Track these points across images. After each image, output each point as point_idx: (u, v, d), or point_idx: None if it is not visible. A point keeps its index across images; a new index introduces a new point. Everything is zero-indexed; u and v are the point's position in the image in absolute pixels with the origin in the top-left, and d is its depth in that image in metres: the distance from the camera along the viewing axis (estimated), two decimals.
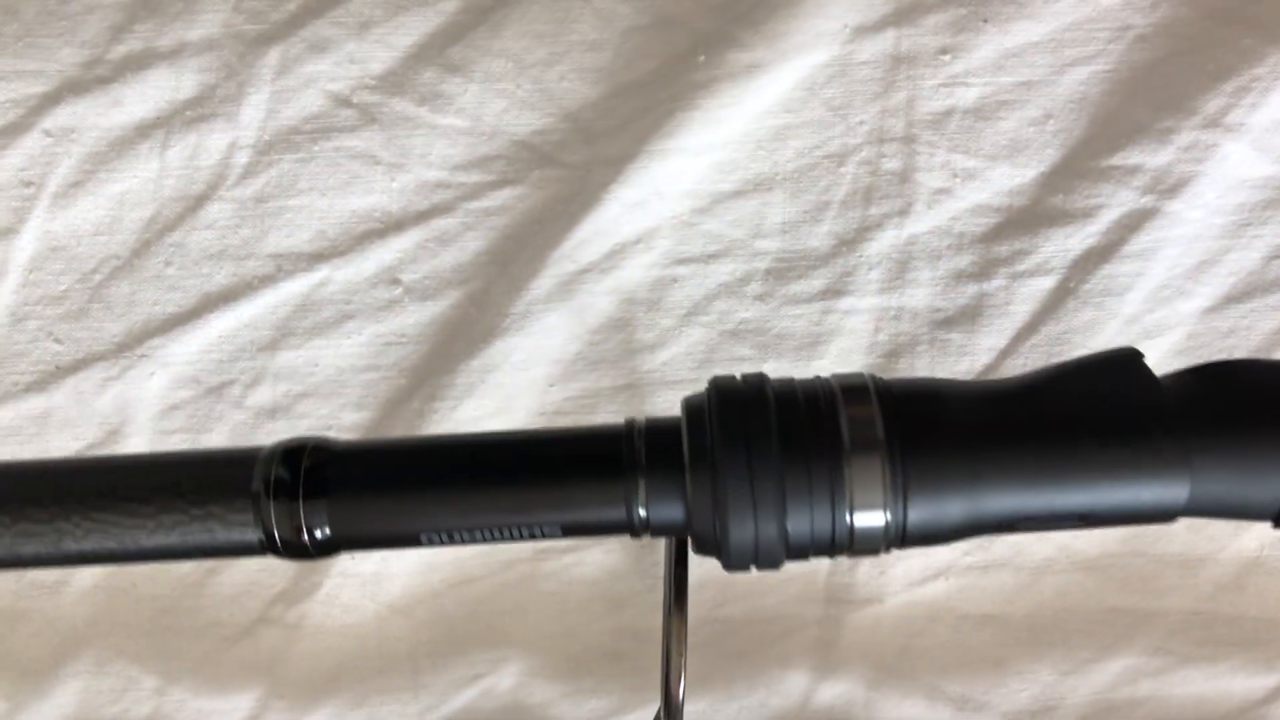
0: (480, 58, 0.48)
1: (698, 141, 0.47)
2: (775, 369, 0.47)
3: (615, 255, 0.47)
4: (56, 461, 0.34)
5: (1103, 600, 0.49)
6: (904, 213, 0.47)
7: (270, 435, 0.49)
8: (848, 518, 0.29)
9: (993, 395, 0.30)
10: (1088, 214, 0.47)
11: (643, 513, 0.30)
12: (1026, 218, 0.47)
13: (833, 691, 0.50)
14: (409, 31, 0.48)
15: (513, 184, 0.48)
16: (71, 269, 0.49)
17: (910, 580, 0.49)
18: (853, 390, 0.30)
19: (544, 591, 0.50)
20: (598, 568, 0.50)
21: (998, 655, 0.49)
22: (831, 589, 0.49)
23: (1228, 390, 0.30)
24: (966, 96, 0.47)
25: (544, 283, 0.47)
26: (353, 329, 0.49)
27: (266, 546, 0.31)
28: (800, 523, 0.29)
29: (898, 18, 0.47)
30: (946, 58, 0.47)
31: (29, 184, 0.49)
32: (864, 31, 0.47)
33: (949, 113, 0.47)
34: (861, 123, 0.48)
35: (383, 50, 0.48)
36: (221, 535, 0.31)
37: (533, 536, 0.31)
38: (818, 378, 0.31)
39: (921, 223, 0.48)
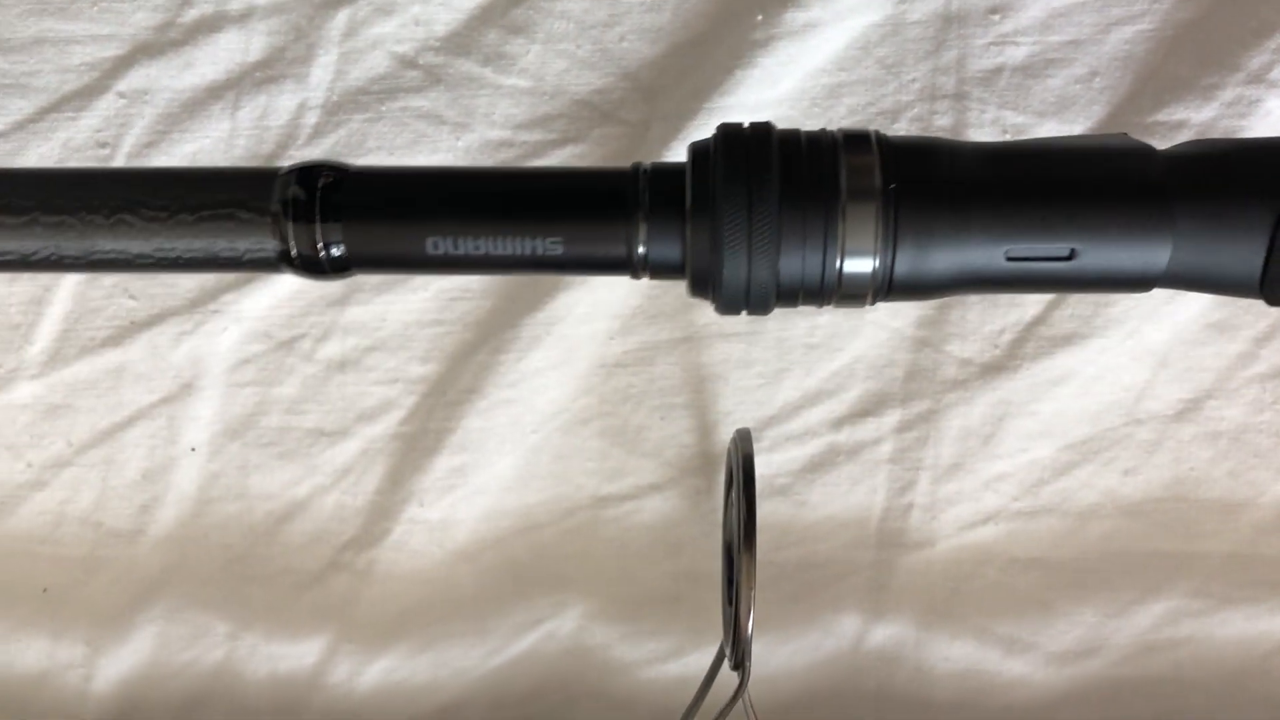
0: (542, 19, 0.49)
1: (755, 98, 0.48)
2: None
3: None
4: (87, 169, 0.37)
5: (1146, 544, 0.51)
6: None
7: (340, 387, 0.51)
8: (838, 262, 0.30)
9: (990, 153, 0.31)
10: None
11: (641, 250, 0.31)
12: None
13: (884, 633, 0.51)
14: None
15: (574, 141, 0.49)
16: None
17: (960, 525, 0.51)
18: (855, 140, 0.31)
19: (605, 537, 0.52)
20: (657, 514, 0.51)
21: (1044, 597, 0.51)
22: (884, 534, 0.51)
23: (1220, 162, 0.31)
24: (1015, 55, 0.49)
25: None
26: (419, 284, 0.50)
27: (282, 259, 0.32)
28: (792, 264, 0.30)
29: None
30: (996, 17, 0.49)
31: (104, 144, 0.50)
32: None
33: (999, 70, 0.49)
34: (914, 80, 0.49)
35: (447, 12, 0.49)
36: (241, 245, 0.32)
37: (536, 265, 0.32)
38: (824, 129, 0.32)
39: None
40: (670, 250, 0.31)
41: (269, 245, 0.32)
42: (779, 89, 0.48)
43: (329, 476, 0.51)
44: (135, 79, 0.50)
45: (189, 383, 0.51)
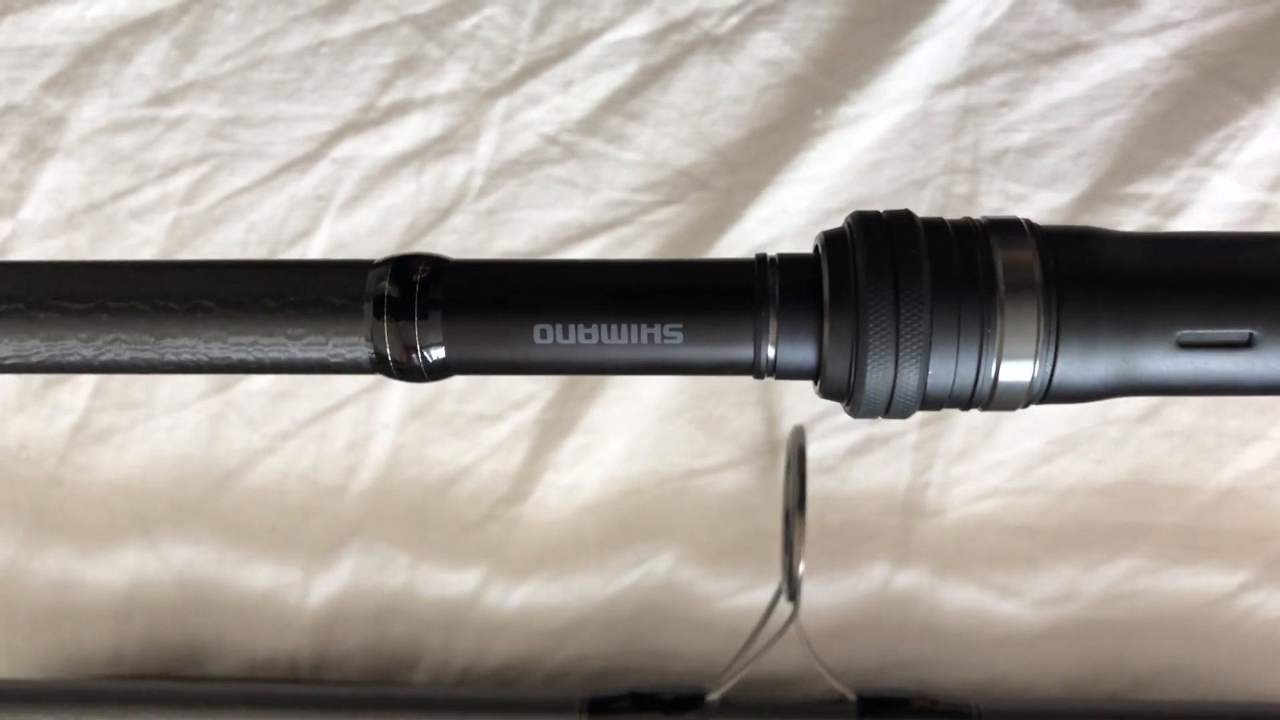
0: (653, 108, 0.64)
1: (814, 172, 0.63)
2: None
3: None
4: (160, 261, 0.32)
5: (1112, 517, 0.65)
6: None
7: (496, 382, 0.67)
8: (994, 368, 0.27)
9: (1148, 240, 0.28)
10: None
11: (771, 352, 0.28)
12: None
13: (906, 579, 0.67)
14: (601, 88, 0.64)
15: (675, 202, 0.65)
16: None
17: (966, 499, 0.66)
18: (1007, 228, 0.28)
19: (692, 502, 0.67)
20: (732, 485, 0.67)
21: (1031, 556, 0.66)
22: (907, 504, 0.66)
23: None
24: (1019, 139, 0.63)
25: None
26: None
27: (376, 364, 0.30)
28: (943, 370, 0.27)
29: (967, 78, 0.63)
30: (1004, 110, 0.63)
31: (320, 198, 0.67)
32: (942, 89, 0.63)
33: (1005, 151, 0.63)
34: (938, 157, 0.63)
35: (580, 103, 0.65)
36: (327, 347, 0.30)
37: (651, 361, 0.29)
38: (966, 217, 0.29)
39: None
40: (803, 353, 0.29)
41: (359, 349, 0.30)
42: (832, 164, 0.63)
43: (487, 450, 0.68)
44: (345, 148, 0.66)
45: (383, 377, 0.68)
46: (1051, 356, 0.27)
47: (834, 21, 0.63)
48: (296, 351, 0.30)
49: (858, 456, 0.66)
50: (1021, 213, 0.62)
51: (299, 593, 0.70)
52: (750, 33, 0.63)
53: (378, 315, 0.30)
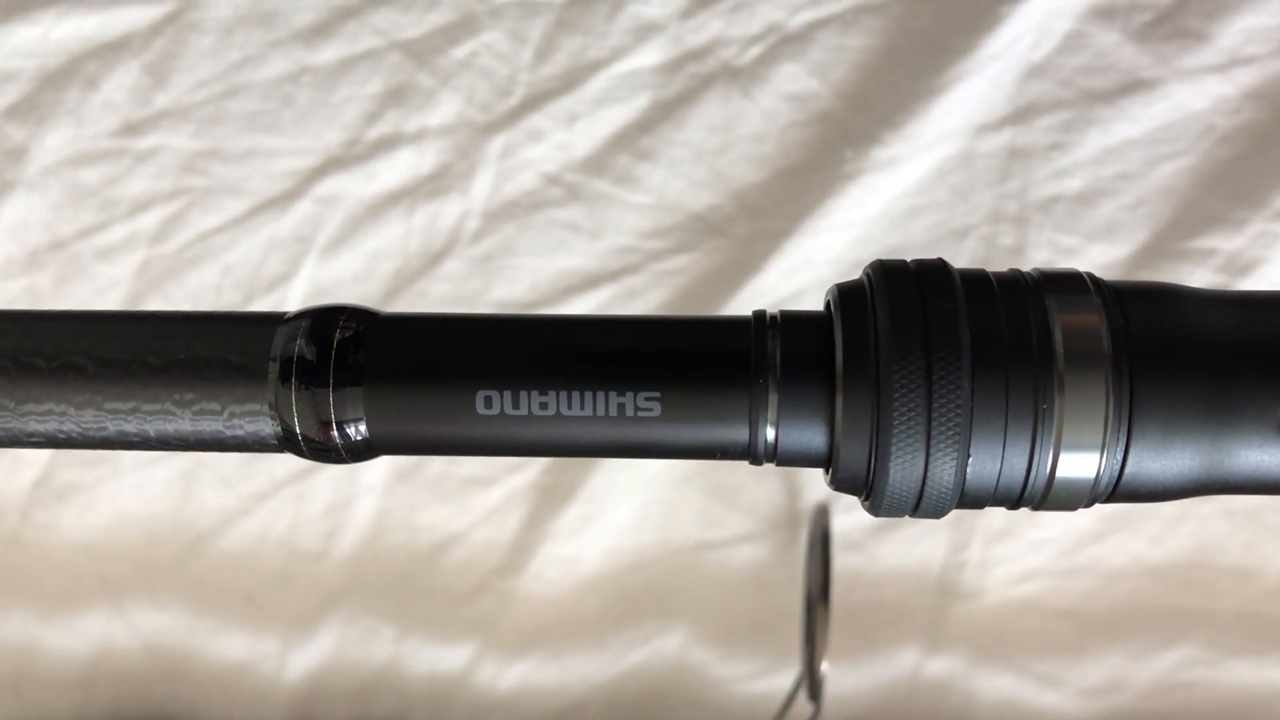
0: (665, 147, 0.58)
1: (843, 220, 0.57)
2: None
3: None
4: (26, 311, 0.26)
5: (1166, 600, 0.59)
6: None
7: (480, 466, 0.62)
8: (1050, 461, 0.22)
9: (1258, 304, 0.23)
10: None
11: (770, 435, 0.23)
12: None
13: (938, 666, 0.61)
14: (608, 124, 0.59)
15: (689, 250, 0.59)
16: None
17: (1008, 580, 0.60)
18: (1067, 283, 0.23)
19: (705, 576, 0.62)
20: (749, 559, 0.61)
21: (1077, 642, 0.60)
22: (942, 584, 0.60)
23: None
24: (1071, 185, 0.57)
25: None
26: None
27: (284, 443, 0.25)
28: (986, 463, 0.22)
29: (1015, 118, 0.57)
30: (1055, 153, 0.57)
31: (301, 239, 0.61)
32: (986, 129, 0.57)
33: (1056, 198, 0.57)
34: (981, 204, 0.57)
35: (586, 139, 0.59)
36: (226, 423, 0.24)
37: (620, 440, 0.24)
38: (1014, 269, 0.24)
39: None
40: (810, 435, 0.23)
41: (262, 421, 0.24)
42: (863, 211, 0.57)
43: (480, 515, 0.62)
44: (328, 185, 0.60)
45: None
46: (1123, 446, 0.22)
47: (867, 54, 0.57)
48: (186, 422, 0.25)
49: (888, 532, 0.60)
50: (1075, 267, 0.56)
51: (276, 665, 0.64)
52: (774, 65, 0.57)
53: (284, 379, 0.24)
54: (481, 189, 0.60)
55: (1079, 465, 0.22)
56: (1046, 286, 0.23)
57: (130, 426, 0.25)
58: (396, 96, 0.60)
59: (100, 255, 0.62)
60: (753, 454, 0.24)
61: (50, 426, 0.25)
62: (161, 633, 0.65)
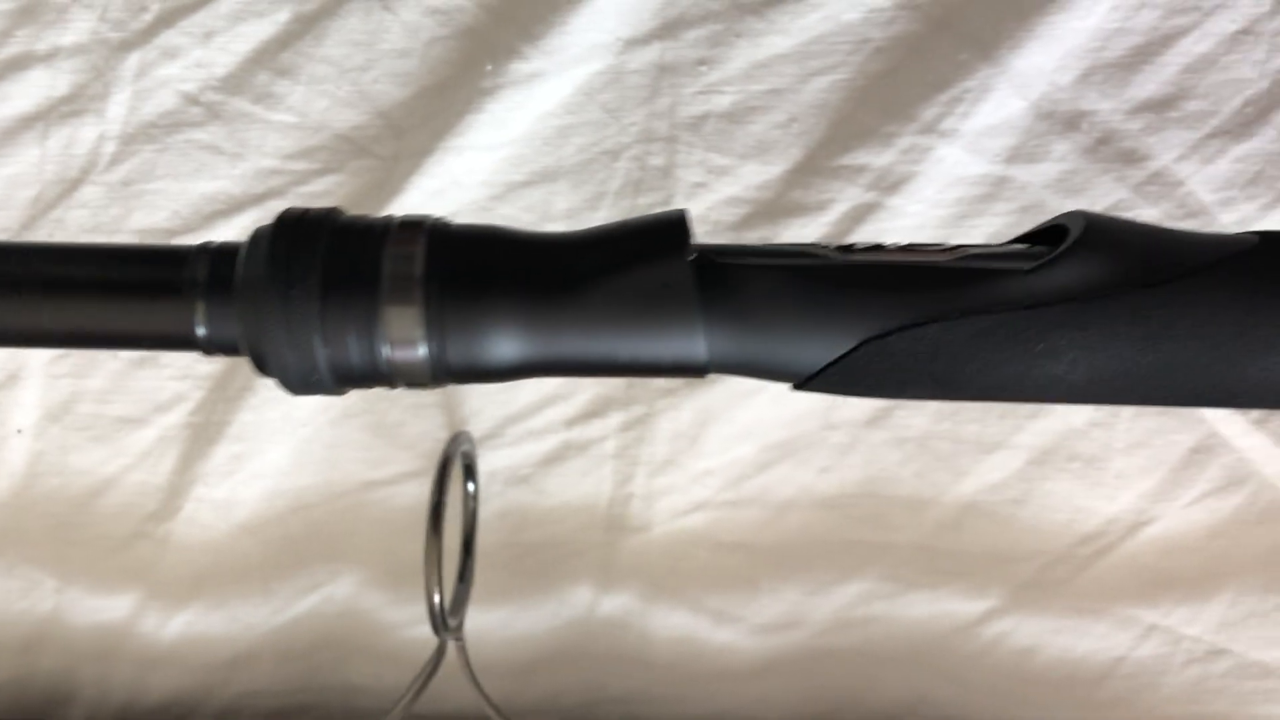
0: (306, 63, 0.55)
1: (488, 139, 0.54)
2: None
3: None
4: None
5: (840, 533, 0.57)
6: (666, 203, 0.55)
7: (140, 381, 0.59)
8: (385, 352, 0.30)
9: (544, 246, 0.31)
10: (821, 206, 0.54)
11: (202, 331, 0.31)
12: (771, 209, 0.55)
13: (613, 604, 0.59)
14: (246, 39, 0.56)
15: (334, 172, 0.56)
16: None
17: (673, 513, 0.58)
18: (406, 227, 0.31)
19: (371, 517, 0.59)
20: (414, 497, 0.59)
21: (750, 577, 0.58)
22: (610, 519, 0.58)
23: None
24: (721, 102, 0.54)
25: None
26: None
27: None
28: (340, 354, 0.30)
29: (662, 32, 0.54)
30: (704, 68, 0.54)
31: None
32: (634, 44, 0.54)
33: (705, 116, 0.55)
34: (632, 124, 0.55)
35: (225, 56, 0.56)
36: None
37: (97, 333, 0.32)
38: (389, 216, 0.32)
39: None
40: (229, 332, 0.31)
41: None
42: (510, 131, 0.55)
43: (133, 458, 0.59)
44: None
45: (14, 373, 0.59)
46: (439, 342, 0.30)
47: None
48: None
49: (554, 465, 0.58)
50: (726, 188, 0.55)
51: None
52: None
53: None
54: (118, 110, 0.56)
55: (408, 354, 0.30)
56: (394, 229, 0.32)
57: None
58: (27, 14, 0.56)
59: None
60: (198, 345, 0.32)
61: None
62: None
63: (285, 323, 0.30)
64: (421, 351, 0.30)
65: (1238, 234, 0.31)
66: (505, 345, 0.31)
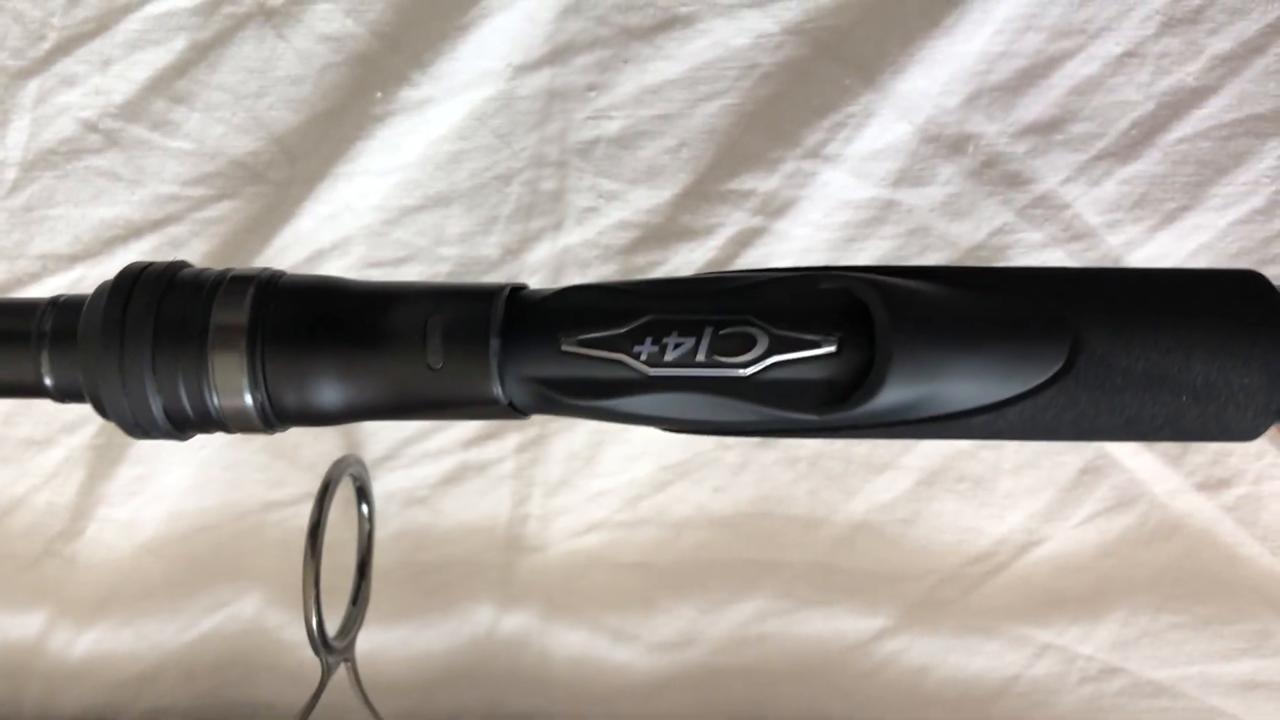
0: (201, 90, 0.56)
1: (380, 164, 0.55)
2: None
3: (314, 259, 0.56)
4: None
5: (735, 552, 0.58)
6: (558, 227, 0.56)
7: (44, 401, 0.59)
8: (215, 400, 0.32)
9: (368, 297, 0.33)
10: (709, 231, 0.55)
11: (49, 380, 0.33)
12: (660, 233, 0.55)
13: (512, 623, 0.59)
14: (143, 67, 0.56)
15: (230, 197, 0.56)
16: None
17: (570, 532, 0.58)
18: (237, 281, 0.32)
19: (273, 537, 0.60)
20: None
21: (647, 596, 0.59)
22: (509, 539, 0.59)
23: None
24: (611, 128, 0.55)
25: None
26: None
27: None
28: (173, 402, 0.32)
29: (552, 58, 0.55)
30: (594, 94, 0.55)
31: None
32: (524, 70, 0.55)
33: (596, 141, 0.55)
34: (524, 149, 0.55)
35: (122, 83, 0.56)
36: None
37: None
38: (228, 269, 0.33)
39: (573, 236, 0.56)
40: (73, 379, 0.33)
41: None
42: (403, 156, 0.55)
43: (41, 479, 0.60)
44: None
45: None
46: (264, 391, 0.32)
47: None
48: None
49: (452, 485, 0.58)
50: (616, 213, 0.55)
51: None
52: (309, 3, 0.55)
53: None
54: (18, 137, 0.57)
55: (236, 402, 0.32)
56: (226, 282, 0.33)
57: None
58: None
59: None
60: (45, 393, 0.34)
61: None
62: None
63: (120, 371, 0.31)
64: (248, 399, 0.32)
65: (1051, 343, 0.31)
66: (329, 392, 0.32)
